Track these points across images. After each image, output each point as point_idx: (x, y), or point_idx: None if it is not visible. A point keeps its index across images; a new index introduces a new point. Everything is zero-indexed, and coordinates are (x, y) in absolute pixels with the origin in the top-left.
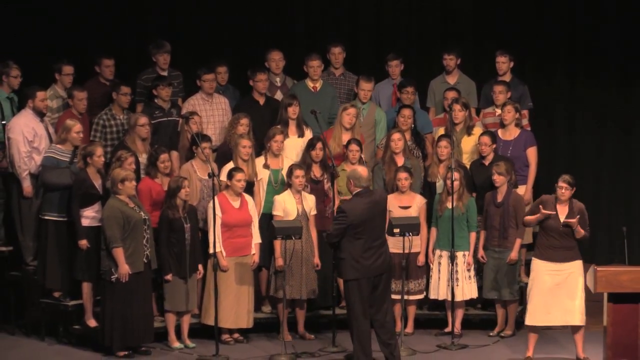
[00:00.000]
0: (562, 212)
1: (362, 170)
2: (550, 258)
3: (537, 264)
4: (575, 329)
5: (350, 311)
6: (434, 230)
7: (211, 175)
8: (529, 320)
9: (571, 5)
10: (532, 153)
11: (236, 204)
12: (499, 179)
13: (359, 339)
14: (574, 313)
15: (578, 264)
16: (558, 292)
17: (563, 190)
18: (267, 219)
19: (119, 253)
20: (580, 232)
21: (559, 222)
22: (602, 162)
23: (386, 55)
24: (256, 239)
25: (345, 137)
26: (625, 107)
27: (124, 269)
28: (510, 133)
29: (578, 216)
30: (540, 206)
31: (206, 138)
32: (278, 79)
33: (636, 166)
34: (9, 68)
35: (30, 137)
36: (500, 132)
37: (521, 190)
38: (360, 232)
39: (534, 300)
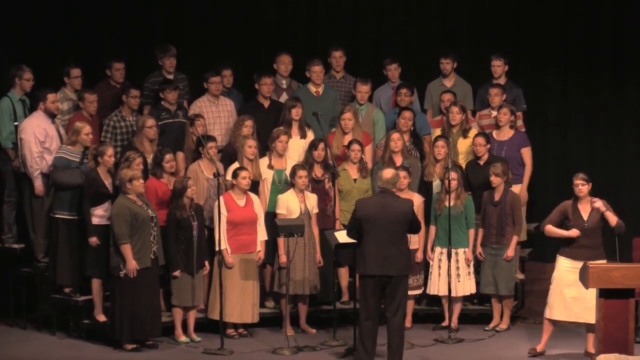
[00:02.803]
0: (585, 210)
1: (386, 172)
2: (574, 256)
3: (560, 261)
4: (590, 326)
5: (359, 306)
6: (432, 228)
7: (217, 175)
8: (547, 314)
9: (564, 10)
10: (526, 153)
11: (242, 202)
12: (495, 180)
13: (360, 333)
14: (593, 312)
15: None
16: (578, 290)
17: (580, 187)
18: (271, 217)
19: (126, 249)
20: (613, 217)
21: (583, 220)
22: (594, 162)
23: (387, 59)
24: (262, 236)
25: (346, 138)
26: (617, 108)
27: (132, 264)
28: (505, 134)
29: (603, 201)
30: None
31: (211, 138)
32: (284, 82)
33: (627, 166)
34: (22, 71)
35: (41, 137)
36: (495, 133)
37: (515, 189)
38: (367, 228)
39: (554, 296)
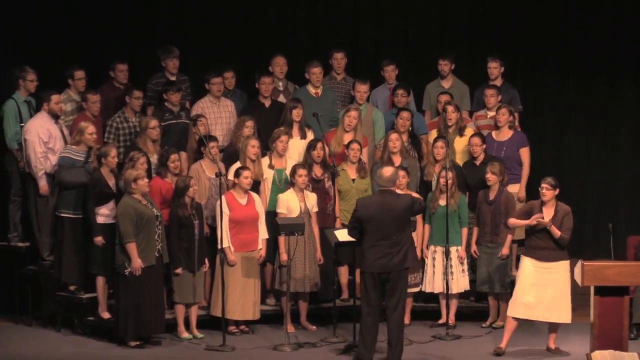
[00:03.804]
0: (548, 214)
1: (385, 171)
2: (535, 257)
3: (524, 261)
4: (554, 325)
5: (360, 302)
6: (427, 226)
7: (218, 175)
8: (510, 312)
9: (559, 13)
10: (524, 153)
11: (243, 201)
12: (492, 178)
13: (360, 329)
14: (559, 312)
15: (564, 265)
16: (542, 290)
17: (544, 191)
18: (271, 216)
19: (132, 248)
20: (556, 232)
21: (546, 223)
22: (589, 161)
23: (386, 60)
24: (263, 234)
25: (347, 137)
26: (612, 108)
27: (137, 262)
28: (504, 134)
29: (551, 218)
30: (532, 215)
31: (213, 138)
32: (281, 84)
33: (622, 165)
34: (26, 73)
35: (45, 138)
36: (494, 133)
37: (512, 188)
38: (367, 227)
39: (517, 294)
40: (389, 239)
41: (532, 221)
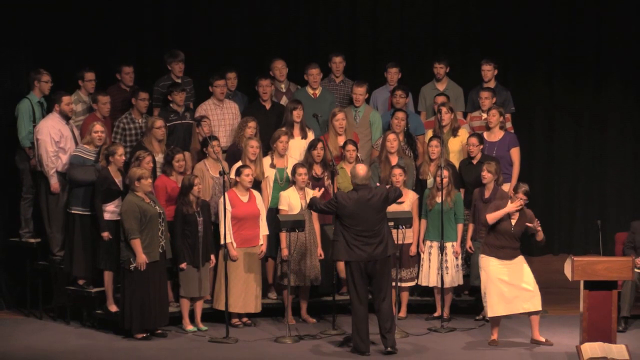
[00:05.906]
0: (514, 217)
1: (360, 169)
2: (498, 256)
3: (487, 261)
4: (533, 313)
5: (349, 296)
6: (424, 222)
7: (222, 173)
8: (490, 312)
9: (551, 17)
10: (515, 153)
11: (245, 198)
12: (487, 176)
13: (355, 321)
14: (531, 300)
15: (521, 258)
16: (514, 284)
17: (522, 202)
18: (273, 213)
19: (136, 244)
20: (542, 234)
21: (510, 225)
22: (578, 160)
23: (383, 63)
24: (264, 230)
25: (340, 139)
26: (600, 108)
27: (142, 258)
28: (495, 135)
29: (537, 221)
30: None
31: (213, 138)
32: (283, 86)
33: (610, 163)
34: (40, 74)
35: (57, 138)
36: (485, 134)
37: (505, 187)
38: (349, 223)
39: (492, 294)
40: (369, 230)
41: (512, 209)
